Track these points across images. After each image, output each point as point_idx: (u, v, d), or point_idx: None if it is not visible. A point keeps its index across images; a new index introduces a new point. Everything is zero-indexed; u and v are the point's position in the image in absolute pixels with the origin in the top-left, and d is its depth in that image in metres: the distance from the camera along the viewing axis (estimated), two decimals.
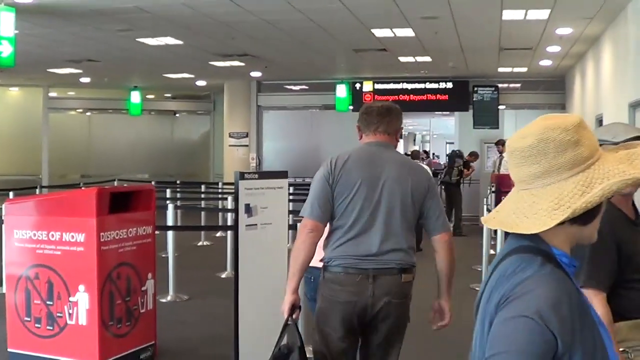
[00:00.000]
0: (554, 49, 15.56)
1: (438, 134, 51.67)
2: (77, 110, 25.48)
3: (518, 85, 21.85)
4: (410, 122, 46.72)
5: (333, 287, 4.43)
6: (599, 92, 14.24)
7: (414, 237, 4.59)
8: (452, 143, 25.07)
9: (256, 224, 6.57)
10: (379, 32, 13.74)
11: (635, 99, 10.72)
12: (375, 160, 4.46)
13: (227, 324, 8.02)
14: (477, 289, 10.92)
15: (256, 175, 6.60)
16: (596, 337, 1.84)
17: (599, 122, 14.30)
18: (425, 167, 5.21)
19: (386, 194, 4.37)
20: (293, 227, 7.15)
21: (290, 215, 9.35)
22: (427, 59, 17.31)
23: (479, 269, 12.22)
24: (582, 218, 1.88)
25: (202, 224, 17.15)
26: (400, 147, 50.89)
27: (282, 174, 6.89)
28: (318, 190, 4.46)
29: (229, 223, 13.16)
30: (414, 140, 59.68)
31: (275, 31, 13.45)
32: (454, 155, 18.90)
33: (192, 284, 10.92)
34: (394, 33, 13.75)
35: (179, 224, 11.31)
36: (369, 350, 4.57)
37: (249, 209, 6.49)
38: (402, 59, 17.36)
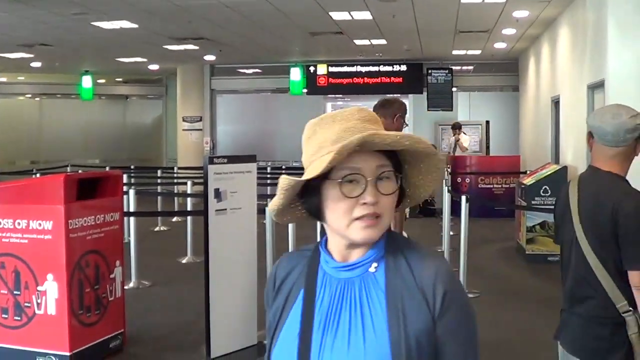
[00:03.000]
0: (509, 31, 15.66)
1: None
2: (27, 96, 25.00)
3: (471, 67, 21.98)
4: (363, 105, 46.87)
5: None
6: (555, 74, 14.38)
7: None
8: (407, 126, 25.07)
9: (226, 209, 6.52)
10: (337, 15, 13.70)
11: (594, 81, 10.84)
12: None
13: (194, 310, 7.99)
14: None
15: (225, 160, 6.55)
16: None
17: (555, 103, 14.45)
18: None
19: None
20: (261, 211, 7.09)
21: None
22: (383, 42, 17.31)
23: (440, 250, 12.29)
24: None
25: (159, 209, 17.01)
26: None
27: (250, 158, 6.85)
28: None
29: (189, 208, 13.03)
30: None
31: (232, 14, 13.33)
32: None
33: (153, 270, 10.82)
34: (351, 16, 13.72)
35: (136, 209, 11.17)
36: None
37: (218, 194, 6.44)
38: (358, 41, 17.35)
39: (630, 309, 3.29)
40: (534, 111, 17.69)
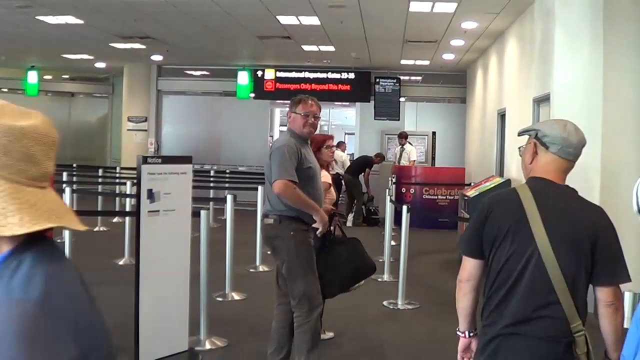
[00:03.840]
0: (457, 42, 15.70)
1: (337, 124, 51.65)
2: None
3: (419, 78, 22.04)
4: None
5: None
6: (502, 87, 14.43)
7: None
8: (353, 134, 25.11)
9: (159, 210, 6.36)
10: (285, 20, 13.61)
11: (540, 94, 10.87)
12: None
13: (125, 313, 7.77)
14: (379, 280, 10.92)
15: (159, 160, 6.39)
16: None
17: (501, 116, 14.50)
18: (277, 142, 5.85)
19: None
20: (196, 214, 6.94)
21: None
22: (331, 48, 17.26)
23: (381, 260, 12.22)
24: None
25: (99, 209, 16.73)
26: None
27: (186, 159, 6.69)
28: None
29: (128, 209, 12.81)
30: None
31: (180, 14, 13.17)
32: (364, 164, 18.62)
33: (88, 271, 10.38)
34: (299, 21, 13.64)
35: (75, 208, 10.91)
36: None
37: (151, 195, 6.28)
38: (306, 47, 17.27)
39: (583, 329, 3.20)
40: (480, 124, 17.76)
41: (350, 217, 17.67)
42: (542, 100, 10.84)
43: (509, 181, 12.11)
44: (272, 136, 25.41)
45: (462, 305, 3.56)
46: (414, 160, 19.14)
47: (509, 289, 3.29)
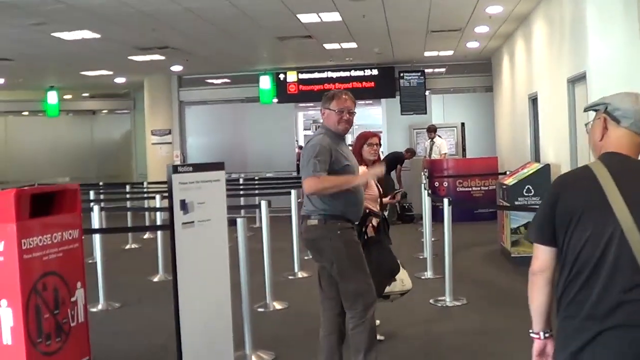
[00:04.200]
0: (482, 29, 15.30)
1: (360, 124, 51.19)
2: None
3: (443, 69, 21.63)
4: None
5: None
6: (532, 71, 14.02)
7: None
8: (380, 132, 24.76)
9: (193, 222, 6.02)
10: (305, 18, 13.25)
11: (574, 74, 10.50)
12: None
13: (165, 332, 7.51)
14: (422, 277, 10.57)
15: (190, 168, 6.04)
16: None
17: (532, 100, 14.11)
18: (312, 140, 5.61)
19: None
20: (232, 222, 6.61)
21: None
22: (353, 45, 16.90)
23: (421, 257, 11.89)
24: None
25: (129, 225, 16.50)
26: None
27: (218, 166, 6.34)
28: None
29: (159, 222, 12.52)
30: None
31: (198, 20, 12.86)
32: (394, 160, 18.27)
33: (123, 290, 10.29)
34: (320, 18, 13.28)
35: (104, 226, 10.64)
36: None
37: (184, 206, 5.94)
38: (327, 46, 16.93)
39: None
40: (510, 110, 17.34)
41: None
42: (577, 80, 10.45)
43: (547, 166, 11.70)
44: (297, 140, 25.12)
45: (536, 302, 3.21)
46: (445, 153, 18.74)
47: (589, 274, 2.94)
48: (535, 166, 12.17)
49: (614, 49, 9.48)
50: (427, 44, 17.14)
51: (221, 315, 6.35)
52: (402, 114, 21.19)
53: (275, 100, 21.66)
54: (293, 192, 11.51)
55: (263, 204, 9.13)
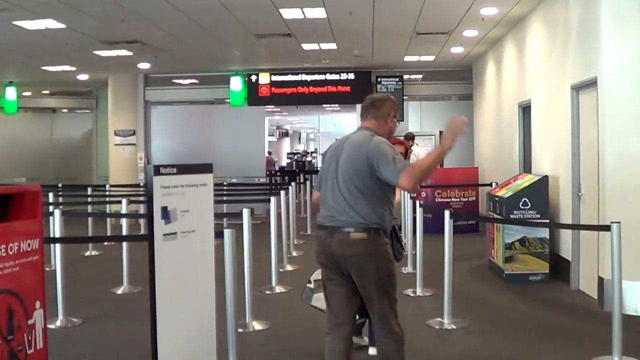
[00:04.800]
0: (471, 33, 14.57)
1: (324, 132, 50.51)
2: None
3: (420, 76, 20.90)
4: (297, 120, 45.50)
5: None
6: (524, 78, 13.26)
7: (373, 204, 5.10)
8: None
9: (176, 233, 5.12)
10: (288, 13, 12.40)
11: (580, 80, 9.77)
12: (341, 143, 5.36)
13: (135, 351, 6.60)
14: (412, 295, 9.75)
15: (174, 170, 5.13)
16: None
17: (523, 109, 13.40)
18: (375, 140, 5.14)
19: (340, 170, 5.20)
20: (219, 234, 5.72)
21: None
22: (333, 46, 16.10)
23: (405, 271, 11.16)
24: None
25: (90, 231, 15.50)
26: (287, 145, 49.88)
27: (205, 168, 5.44)
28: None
29: (125, 231, 11.47)
30: (299, 139, 58.47)
31: (173, 11, 11.93)
32: None
33: (84, 304, 9.28)
34: (304, 14, 12.44)
35: (63, 233, 9.60)
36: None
37: (166, 214, 5.03)
38: (306, 46, 16.10)
39: None
40: (495, 119, 16.60)
41: None
42: (584, 86, 9.71)
43: (545, 178, 10.93)
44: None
45: None
46: None
47: None
48: (531, 178, 11.39)
49: (630, 54, 8.78)
50: (410, 47, 16.38)
51: (204, 337, 5.45)
52: None
53: (247, 102, 20.74)
54: (273, 199, 10.61)
55: (245, 212, 8.21)
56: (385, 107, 5.40)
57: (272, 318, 8.52)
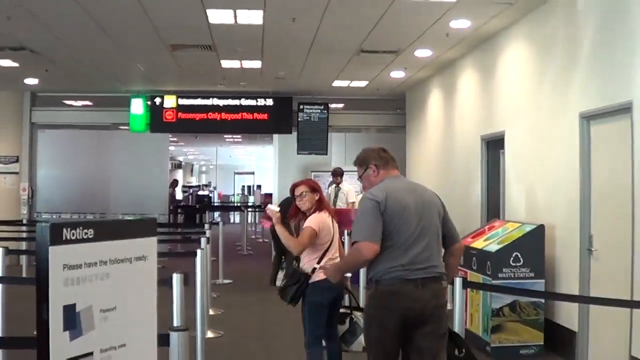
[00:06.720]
0: (423, 53, 12.48)
1: (222, 164, 48.19)
2: None
3: (341, 105, 18.75)
4: (193, 151, 43.02)
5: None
6: (495, 106, 11.15)
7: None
8: (250, 174, 21.75)
9: (92, 353, 2.71)
10: (216, 16, 9.99)
11: (594, 108, 7.76)
12: (408, 190, 5.09)
13: None
14: None
15: (91, 231, 2.70)
16: None
17: (487, 143, 11.40)
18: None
19: (426, 218, 4.95)
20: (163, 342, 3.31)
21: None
22: (257, 64, 13.83)
23: None
24: None
25: None
26: (180, 177, 47.25)
27: (147, 226, 3.03)
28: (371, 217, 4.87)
29: None
30: (191, 171, 55.69)
31: (74, 9, 9.42)
32: (288, 207, 15.14)
33: None
34: (236, 18, 10.06)
35: None
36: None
37: (72, 318, 2.63)
38: (226, 63, 13.76)
39: None
40: (441, 154, 14.52)
41: (281, 275, 14.02)
42: (600, 115, 7.69)
43: (541, 228, 8.79)
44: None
45: None
46: (353, 202, 15.67)
47: None
48: (516, 226, 9.23)
49: None
50: (345, 69, 14.18)
51: None
52: (298, 153, 18.16)
53: (149, 128, 18.18)
54: (199, 251, 8.15)
55: (176, 277, 5.74)
56: (367, 161, 5.46)
57: None
